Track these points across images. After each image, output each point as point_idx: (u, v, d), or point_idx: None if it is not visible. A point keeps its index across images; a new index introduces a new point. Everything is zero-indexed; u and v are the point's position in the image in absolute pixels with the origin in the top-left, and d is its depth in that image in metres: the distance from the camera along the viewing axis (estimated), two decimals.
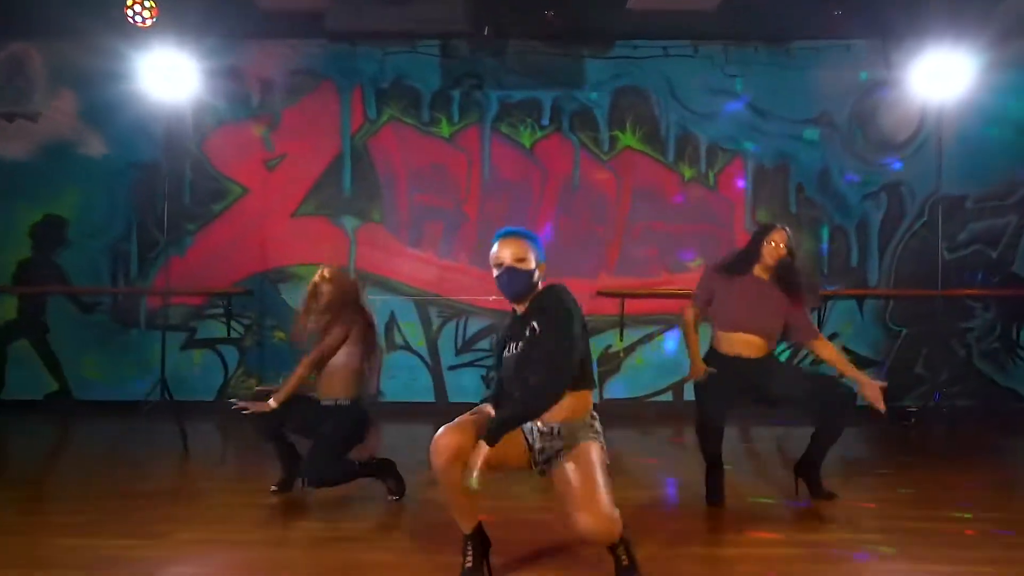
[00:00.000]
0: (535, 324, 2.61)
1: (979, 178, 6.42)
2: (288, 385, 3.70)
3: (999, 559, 3.01)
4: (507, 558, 2.92)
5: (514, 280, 2.66)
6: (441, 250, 6.48)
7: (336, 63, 6.50)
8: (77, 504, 3.73)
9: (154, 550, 3.05)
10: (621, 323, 6.43)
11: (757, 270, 3.79)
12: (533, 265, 2.67)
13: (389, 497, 3.84)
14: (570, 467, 2.58)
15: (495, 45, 6.46)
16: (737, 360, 3.74)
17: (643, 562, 2.74)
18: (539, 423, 2.66)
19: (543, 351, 2.58)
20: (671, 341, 6.47)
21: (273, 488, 3.86)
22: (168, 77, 5.27)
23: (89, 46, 6.09)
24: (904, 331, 6.51)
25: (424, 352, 6.48)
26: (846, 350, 6.47)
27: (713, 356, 3.83)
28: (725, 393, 3.76)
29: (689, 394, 6.47)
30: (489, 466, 2.51)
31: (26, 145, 6.47)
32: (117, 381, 6.35)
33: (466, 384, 6.44)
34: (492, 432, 2.50)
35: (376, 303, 6.45)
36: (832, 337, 6.41)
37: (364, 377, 3.84)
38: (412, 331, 6.49)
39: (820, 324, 6.42)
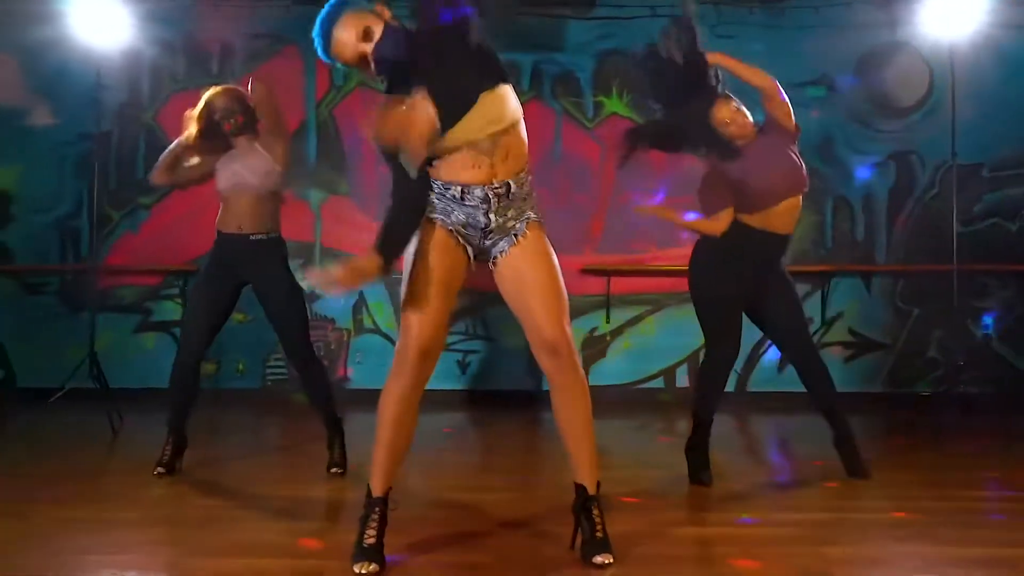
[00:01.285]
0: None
1: (996, 145, 5.90)
2: None
3: None
4: (440, 538, 2.45)
5: (399, 41, 2.21)
6: None
7: (300, 25, 6.00)
8: None
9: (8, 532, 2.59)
10: (607, 303, 5.94)
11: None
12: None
13: (331, 470, 3.42)
14: (525, 263, 2.31)
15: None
16: (764, 237, 3.30)
17: (625, 542, 2.36)
18: (489, 183, 2.26)
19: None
20: (662, 323, 5.98)
21: (160, 470, 3.38)
22: (120, 42, 4.91)
23: (30, 4, 5.69)
24: (916, 311, 5.99)
25: (395, 335, 5.99)
26: (852, 332, 5.98)
27: (737, 234, 3.33)
28: (738, 298, 3.34)
29: (682, 380, 6.02)
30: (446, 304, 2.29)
31: None
32: (65, 368, 5.87)
33: (440, 369, 5.90)
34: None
35: None
36: (837, 317, 5.93)
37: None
38: (381, 312, 6.01)
39: (824, 304, 5.92)
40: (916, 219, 6.00)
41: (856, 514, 2.90)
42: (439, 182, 2.28)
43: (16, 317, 6.02)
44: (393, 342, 5.93)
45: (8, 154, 6.00)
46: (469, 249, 2.34)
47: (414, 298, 2.26)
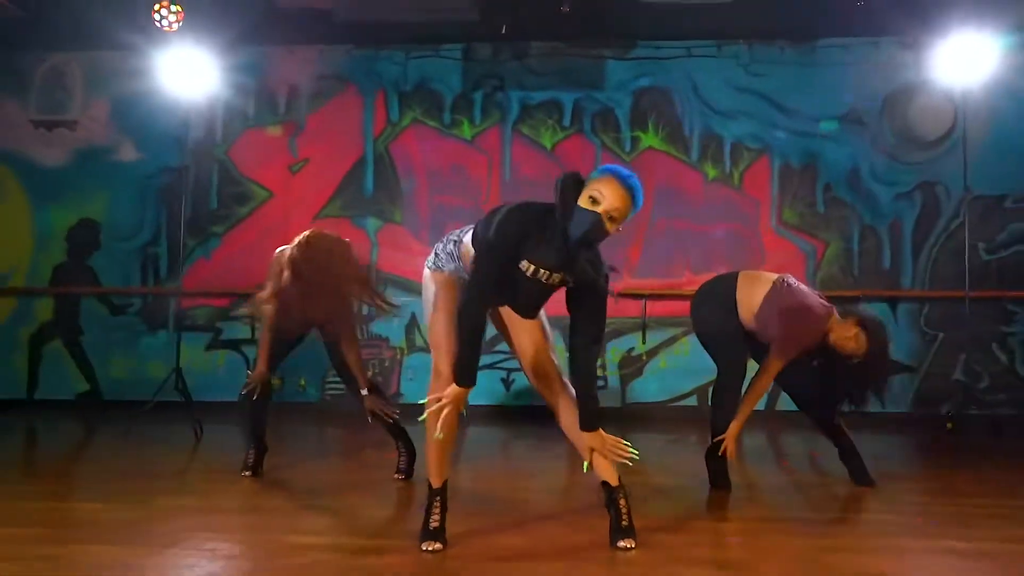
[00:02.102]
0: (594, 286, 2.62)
1: (1019, 176, 6.16)
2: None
3: None
4: (487, 526, 2.84)
5: (598, 232, 2.56)
6: None
7: (360, 67, 6.60)
8: (56, 476, 3.80)
9: (126, 512, 3.07)
10: (643, 325, 6.30)
11: None
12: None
13: (396, 476, 3.80)
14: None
15: (517, 48, 6.49)
16: None
17: (648, 531, 2.71)
18: None
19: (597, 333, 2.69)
20: (695, 344, 6.30)
21: (246, 472, 3.85)
22: (196, 85, 5.46)
23: (122, 55, 6.32)
24: (941, 335, 6.23)
25: None
26: None
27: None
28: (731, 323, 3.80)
29: None
30: None
31: (63, 152, 6.70)
32: (145, 382, 6.43)
33: (486, 386, 6.37)
34: (595, 421, 2.65)
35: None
36: None
37: None
38: None
39: None
40: (941, 247, 6.26)
41: (854, 514, 3.23)
42: (452, 249, 2.80)
43: (101, 335, 6.62)
44: None
45: (98, 187, 6.64)
46: None
47: (442, 327, 2.68)
